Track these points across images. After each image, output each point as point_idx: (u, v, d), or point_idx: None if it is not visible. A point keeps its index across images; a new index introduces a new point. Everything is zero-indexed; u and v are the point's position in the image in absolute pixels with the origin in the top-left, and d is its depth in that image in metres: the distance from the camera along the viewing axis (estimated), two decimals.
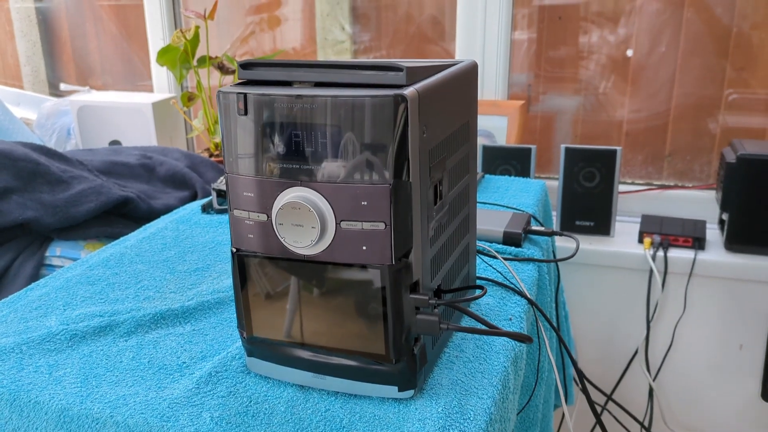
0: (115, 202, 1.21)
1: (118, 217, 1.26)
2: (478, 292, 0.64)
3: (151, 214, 1.26)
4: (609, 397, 1.48)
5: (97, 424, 0.57)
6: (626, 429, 1.49)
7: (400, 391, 0.58)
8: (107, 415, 0.57)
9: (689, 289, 1.37)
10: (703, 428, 1.47)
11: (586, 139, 1.66)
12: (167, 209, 1.28)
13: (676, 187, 1.56)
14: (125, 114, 1.73)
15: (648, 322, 1.41)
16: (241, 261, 0.58)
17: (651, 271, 1.37)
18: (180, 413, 0.57)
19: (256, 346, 0.61)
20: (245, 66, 0.56)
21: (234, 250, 0.58)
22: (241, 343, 0.66)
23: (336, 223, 0.53)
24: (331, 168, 0.52)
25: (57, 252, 1.17)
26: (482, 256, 0.88)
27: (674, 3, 1.51)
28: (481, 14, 1.56)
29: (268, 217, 0.55)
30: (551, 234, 0.95)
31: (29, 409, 0.60)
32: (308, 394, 0.60)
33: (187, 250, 0.92)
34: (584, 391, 0.79)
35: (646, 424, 1.47)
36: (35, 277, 1.14)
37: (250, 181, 0.55)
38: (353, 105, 0.51)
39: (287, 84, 0.55)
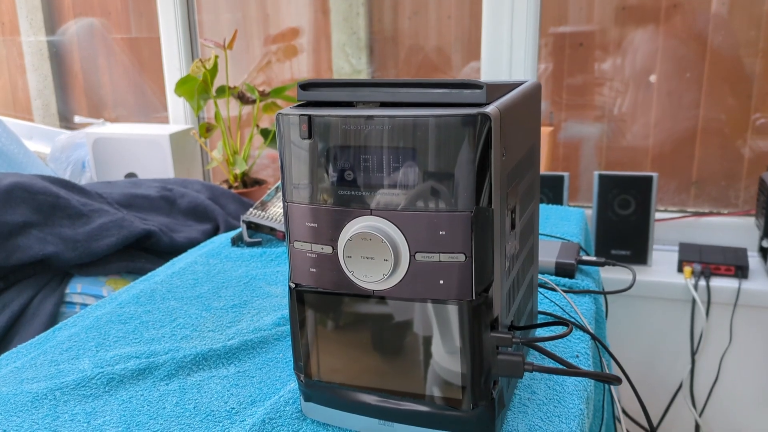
0: (138, 235, 1.16)
1: (140, 251, 1.21)
2: (556, 329, 0.59)
3: (173, 248, 1.22)
4: None
5: None
6: None
7: None
8: None
9: (734, 320, 1.32)
10: None
11: (613, 166, 1.62)
12: (190, 243, 1.23)
13: (711, 213, 1.51)
14: (142, 146, 1.69)
15: (693, 354, 1.35)
16: (301, 297, 0.53)
17: (693, 301, 1.32)
18: None
19: (315, 390, 0.55)
20: (305, 86, 0.51)
21: (292, 285, 0.53)
22: (293, 386, 0.61)
23: (410, 255, 0.48)
24: (404, 195, 0.48)
25: (78, 289, 1.12)
26: (540, 289, 0.83)
27: (698, 29, 1.49)
28: (507, 42, 1.53)
29: (333, 249, 0.50)
30: (604, 264, 0.90)
31: None
32: None
33: (220, 285, 0.87)
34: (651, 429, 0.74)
35: None
36: (55, 315, 1.09)
37: (313, 210, 0.50)
38: (430, 125, 0.46)
39: (349, 105, 0.50)
